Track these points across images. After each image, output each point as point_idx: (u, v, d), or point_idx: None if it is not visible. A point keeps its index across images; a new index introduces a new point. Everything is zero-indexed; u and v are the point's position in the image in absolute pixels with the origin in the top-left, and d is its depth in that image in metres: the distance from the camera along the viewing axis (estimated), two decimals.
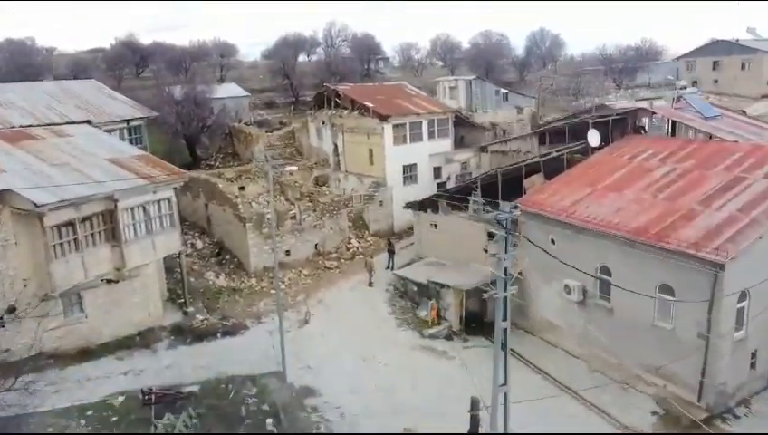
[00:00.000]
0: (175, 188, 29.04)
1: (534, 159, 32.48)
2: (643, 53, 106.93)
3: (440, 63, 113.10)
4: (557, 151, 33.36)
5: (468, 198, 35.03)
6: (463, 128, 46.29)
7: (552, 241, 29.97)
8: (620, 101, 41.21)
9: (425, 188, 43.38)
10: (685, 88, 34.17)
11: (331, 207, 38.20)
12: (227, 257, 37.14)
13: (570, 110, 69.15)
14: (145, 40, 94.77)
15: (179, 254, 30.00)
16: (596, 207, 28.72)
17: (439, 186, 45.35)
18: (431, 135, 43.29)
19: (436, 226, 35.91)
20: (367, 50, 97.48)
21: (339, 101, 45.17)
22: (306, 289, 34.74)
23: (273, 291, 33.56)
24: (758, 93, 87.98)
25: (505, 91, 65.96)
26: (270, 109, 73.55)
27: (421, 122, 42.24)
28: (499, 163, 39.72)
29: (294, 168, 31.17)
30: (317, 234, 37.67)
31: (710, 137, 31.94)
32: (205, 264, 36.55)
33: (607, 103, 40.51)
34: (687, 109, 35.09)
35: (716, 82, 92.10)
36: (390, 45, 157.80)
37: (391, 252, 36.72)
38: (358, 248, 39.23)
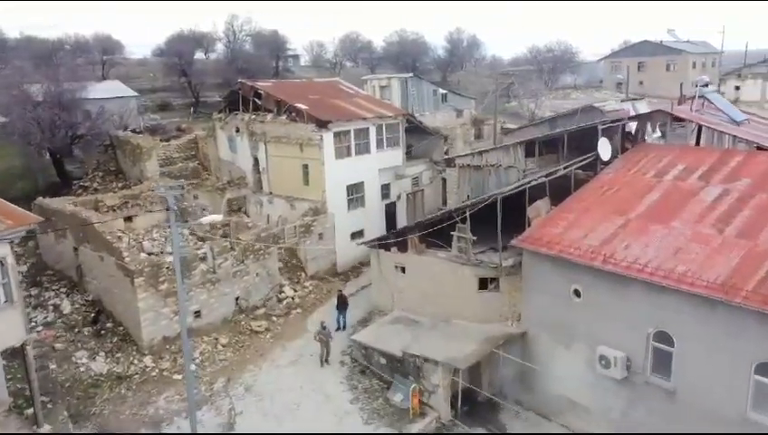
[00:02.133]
0: (12, 243, 17.99)
1: (539, 179, 24.08)
2: (558, 55, 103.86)
3: (350, 63, 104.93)
4: (564, 168, 25.21)
5: (453, 233, 26.28)
6: (411, 135, 37.46)
7: (577, 293, 21.81)
8: (610, 103, 33.94)
9: (373, 212, 34.18)
10: (706, 86, 27.14)
11: (257, 247, 28.03)
12: (109, 326, 26.04)
13: (523, 115, 62.60)
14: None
15: (23, 345, 18.81)
16: (639, 246, 20.74)
17: (388, 208, 36.40)
18: (380, 145, 34.18)
19: (403, 269, 26.75)
20: (274, 46, 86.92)
21: (259, 103, 34.88)
22: (227, 368, 24.44)
23: (178, 376, 23.14)
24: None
25: (444, 91, 58.16)
26: (165, 112, 61.44)
27: (368, 129, 32.97)
28: (473, 180, 31.19)
29: (218, 217, 20.84)
30: (238, 283, 27.41)
31: (758, 147, 25.00)
32: (74, 337, 25.22)
33: (597, 105, 33.18)
34: (707, 111, 28.19)
35: (642, 83, 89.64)
36: (297, 43, 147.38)
37: (343, 307, 27.11)
38: (293, 299, 29.29)
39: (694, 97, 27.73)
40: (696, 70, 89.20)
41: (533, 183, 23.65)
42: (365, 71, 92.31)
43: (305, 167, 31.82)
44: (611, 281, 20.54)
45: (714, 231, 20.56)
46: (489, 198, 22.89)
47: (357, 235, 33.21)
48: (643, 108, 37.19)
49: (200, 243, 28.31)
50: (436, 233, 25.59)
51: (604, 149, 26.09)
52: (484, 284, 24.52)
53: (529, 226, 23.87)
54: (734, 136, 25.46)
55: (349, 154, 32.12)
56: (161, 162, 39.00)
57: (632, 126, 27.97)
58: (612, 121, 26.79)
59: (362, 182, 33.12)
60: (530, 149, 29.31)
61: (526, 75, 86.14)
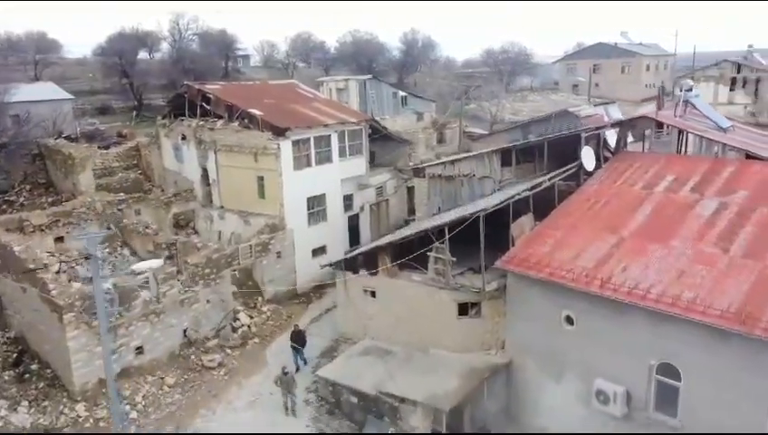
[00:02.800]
0: None
1: (523, 193, 21.84)
2: (513, 57, 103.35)
3: (303, 64, 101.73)
4: (549, 179, 23.10)
5: (430, 254, 23.73)
6: (374, 141, 34.84)
7: (569, 320, 19.75)
8: (584, 108, 32.19)
9: (336, 226, 31.47)
10: (691, 90, 25.54)
11: (207, 269, 24.93)
12: (34, 368, 22.49)
13: (484, 118, 60.81)
14: None
15: None
16: (638, 268, 18.82)
17: (351, 220, 33.74)
18: (342, 153, 31.45)
19: (374, 293, 24.14)
20: (223, 46, 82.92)
21: (207, 108, 31.62)
22: (174, 414, 21.28)
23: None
24: (638, 97, 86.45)
25: (404, 93, 55.80)
26: (104, 116, 57.12)
27: (330, 136, 30.20)
28: (444, 192, 28.84)
29: (156, 262, 17.68)
30: (186, 313, 24.24)
31: (746, 156, 23.48)
32: None
33: (571, 109, 31.35)
34: (691, 117, 26.64)
35: (597, 85, 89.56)
36: (247, 43, 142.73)
37: (300, 344, 23.97)
38: (250, 327, 26.28)
39: (677, 102, 26.11)
40: (650, 72, 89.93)
41: (517, 197, 21.41)
42: (319, 72, 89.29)
43: (260, 179, 28.82)
44: (608, 307, 18.53)
45: (717, 250, 18.78)
46: (472, 217, 20.51)
47: (319, 251, 30.45)
48: (615, 112, 35.75)
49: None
50: (410, 253, 23.10)
51: (588, 158, 24.17)
52: (464, 309, 22.17)
53: (513, 244, 21.66)
54: (724, 144, 23.90)
55: (309, 164, 29.29)
56: (99, 173, 35.21)
57: (614, 133, 26.19)
58: (596, 128, 24.88)
59: (324, 194, 30.34)
60: (506, 157, 27.16)
61: (484, 77, 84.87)
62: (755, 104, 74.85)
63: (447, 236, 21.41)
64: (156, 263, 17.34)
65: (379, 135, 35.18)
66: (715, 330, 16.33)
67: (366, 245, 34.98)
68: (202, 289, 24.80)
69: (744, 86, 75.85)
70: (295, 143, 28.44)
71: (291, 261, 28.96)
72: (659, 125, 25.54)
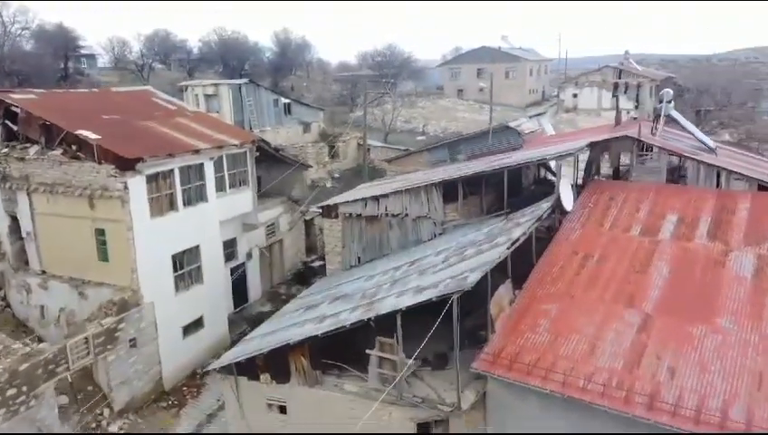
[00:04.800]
0: None
1: (501, 251, 14.92)
2: (391, 60, 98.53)
3: (161, 66, 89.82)
4: (533, 225, 16.41)
5: (370, 352, 15.73)
6: (259, 164, 26.62)
7: None
8: (525, 123, 26.24)
9: (216, 287, 23.01)
10: (671, 102, 20.24)
11: (12, 388, 15.59)
12: None
13: (377, 128, 53.94)
14: None
15: None
16: (691, 369, 12.88)
17: (235, 272, 25.42)
18: (221, 186, 23.02)
19: (283, 409, 16.12)
20: (62, 44, 69.60)
21: (17, 128, 21.64)
22: None
23: None
24: (523, 102, 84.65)
25: (287, 100, 47.64)
26: None
27: (203, 165, 21.62)
28: (366, 237, 21.45)
29: None
30: None
31: (758, 186, 18.41)
32: None
33: (512, 125, 25.22)
34: (671, 135, 21.44)
35: (481, 90, 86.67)
36: (94, 41, 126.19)
37: None
38: None
39: (658, 117, 20.72)
40: (533, 77, 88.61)
41: (497, 261, 14.49)
42: (180, 74, 78.26)
43: (100, 233, 19.60)
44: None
45: None
46: (441, 298, 13.27)
47: (193, 327, 21.87)
48: (547, 125, 30.40)
49: None
50: (340, 346, 15.47)
51: (567, 194, 17.92)
52: (425, 430, 14.91)
53: (491, 328, 14.78)
54: (729, 171, 18.70)
55: (173, 207, 20.52)
56: None
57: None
58: (563, 153, 18.67)
59: (197, 246, 21.71)
60: (453, 191, 20.32)
61: (372, 82, 78.50)
62: (637, 110, 75.14)
63: (400, 330, 14.02)
64: None
65: (265, 156, 26.98)
66: None
67: (252, 299, 26.88)
68: (4, 422, 15.45)
69: (625, 91, 76.03)
70: (152, 179, 19.60)
71: (152, 349, 20.06)
72: (643, 147, 19.99)
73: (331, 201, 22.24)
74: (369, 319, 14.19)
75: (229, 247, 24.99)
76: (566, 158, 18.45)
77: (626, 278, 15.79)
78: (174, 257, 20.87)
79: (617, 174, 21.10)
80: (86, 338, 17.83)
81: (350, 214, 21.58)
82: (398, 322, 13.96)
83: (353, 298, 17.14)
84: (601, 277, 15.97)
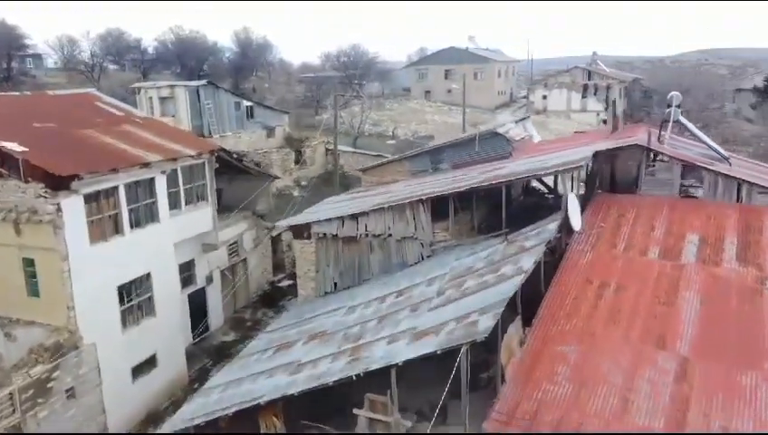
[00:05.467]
0: None
1: (514, 282, 12.59)
2: (355, 60, 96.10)
3: (115, 66, 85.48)
4: (527, 248, 14.10)
5: (358, 412, 12.78)
6: (220, 175, 23.79)
7: None
8: (513, 128, 23.99)
9: (170, 318, 20.11)
10: (679, 107, 18.26)
11: None
12: None
13: (345, 131, 51.23)
14: None
15: None
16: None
17: (193, 299, 22.57)
18: (175, 203, 20.12)
19: None
20: (4, 43, 65.11)
21: None
22: None
23: None
24: (491, 104, 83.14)
25: (249, 103, 44.63)
26: None
27: (153, 180, 18.70)
28: (343, 260, 18.89)
29: None
30: None
31: None
32: None
33: (500, 131, 22.97)
34: (680, 143, 19.50)
35: (450, 91, 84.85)
36: (41, 39, 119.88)
37: None
38: None
39: (665, 122, 18.71)
40: (501, 78, 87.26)
41: (509, 296, 12.13)
42: (135, 75, 74.19)
43: (29, 263, 16.51)
44: None
45: None
46: (445, 351, 10.84)
47: (145, 367, 18.93)
48: (531, 130, 28.33)
49: None
50: (319, 399, 12.89)
51: (575, 212, 15.69)
52: None
53: (502, 377, 12.42)
54: (751, 183, 16.77)
55: (118, 230, 17.57)
56: None
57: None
58: (569, 165, 16.47)
59: (148, 274, 18.77)
60: (442, 208, 17.92)
61: (340, 83, 75.90)
62: (607, 111, 74.33)
63: (395, 386, 11.53)
64: None
65: (226, 166, 24.18)
66: None
67: (214, 328, 24.01)
68: None
69: (595, 93, 75.27)
70: (91, 199, 16.62)
71: (94, 398, 17.06)
72: (651, 156, 17.96)
73: (302, 219, 19.58)
74: (357, 374, 11.65)
75: (186, 271, 22.09)
76: (574, 170, 16.26)
77: (651, 312, 13.64)
78: (120, 289, 17.89)
79: (621, 186, 19.05)
80: (10, 394, 14.78)
81: (325, 234, 18.99)
82: (393, 377, 11.47)
83: (334, 339, 14.57)
84: (623, 311, 13.78)
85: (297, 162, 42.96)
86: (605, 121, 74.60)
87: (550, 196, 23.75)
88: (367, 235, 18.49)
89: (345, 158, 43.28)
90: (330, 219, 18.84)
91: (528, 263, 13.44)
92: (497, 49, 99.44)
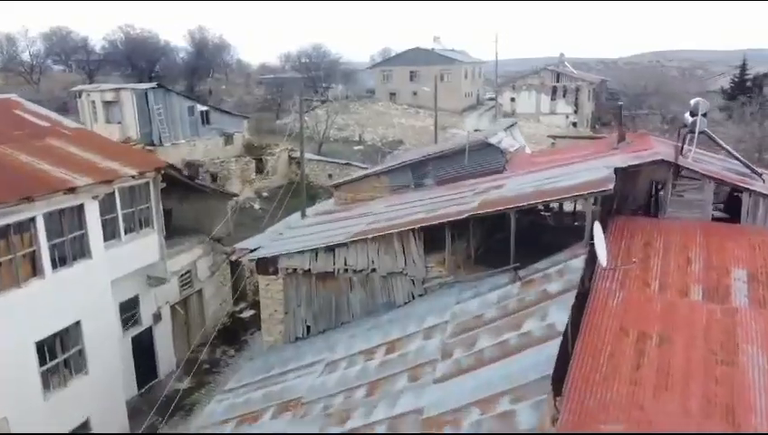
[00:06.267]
0: None
1: (547, 355, 9.80)
2: (317, 62, 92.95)
3: (60, 68, 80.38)
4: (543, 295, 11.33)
5: None
6: (168, 194, 20.38)
7: None
8: (505, 138, 21.25)
9: (107, 371, 16.62)
10: (705, 115, 15.78)
11: None
12: None
13: (310, 136, 47.89)
14: None
15: None
16: None
17: (137, 342, 19.13)
18: (112, 232, 16.70)
19: None
20: None
21: None
22: None
23: None
24: (459, 107, 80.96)
25: (204, 108, 41.00)
26: None
27: (82, 207, 15.25)
28: (317, 300, 15.79)
29: None
30: None
31: None
32: None
33: (493, 141, 20.18)
34: (703, 156, 17.03)
35: (416, 94, 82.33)
36: None
37: None
38: None
39: (687, 133, 16.20)
40: (468, 80, 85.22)
41: (546, 375, 9.29)
42: (81, 77, 69.33)
43: None
44: None
45: None
46: None
47: None
48: (519, 138, 25.73)
49: None
50: None
51: (601, 245, 12.95)
52: None
53: None
54: None
55: (36, 272, 14.10)
56: None
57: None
58: (590, 190, 13.74)
59: (77, 322, 15.31)
60: (437, 235, 14.98)
61: (294, 84, 72.33)
62: (576, 114, 73.00)
63: None
64: None
65: (174, 183, 20.78)
66: None
67: (164, 373, 20.55)
68: None
69: (564, 96, 73.75)
70: None
71: None
72: (678, 173, 15.43)
73: (266, 251, 16.34)
74: None
75: (129, 310, 18.70)
76: (601, 194, 13.53)
77: (709, 374, 10.95)
78: (40, 345, 14.40)
79: (643, 209, 16.48)
80: None
81: (295, 269, 15.83)
82: None
83: (312, 412, 11.46)
84: (673, 373, 11.05)
85: (259, 172, 39.54)
86: (575, 124, 73.39)
87: (546, 213, 21.10)
88: (346, 270, 15.41)
89: (310, 166, 40.13)
90: (301, 251, 15.69)
91: (560, 318, 10.63)
92: (463, 50, 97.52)
